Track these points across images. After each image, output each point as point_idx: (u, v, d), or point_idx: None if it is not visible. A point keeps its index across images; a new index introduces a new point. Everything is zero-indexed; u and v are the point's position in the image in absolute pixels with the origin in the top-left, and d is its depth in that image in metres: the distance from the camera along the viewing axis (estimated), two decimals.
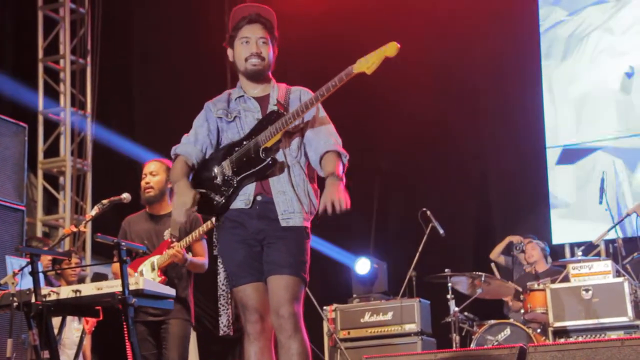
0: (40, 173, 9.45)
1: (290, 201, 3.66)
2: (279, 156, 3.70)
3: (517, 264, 8.43)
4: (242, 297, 3.69)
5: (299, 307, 3.61)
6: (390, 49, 3.50)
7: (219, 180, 3.74)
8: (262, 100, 3.81)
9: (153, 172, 5.46)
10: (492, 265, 8.62)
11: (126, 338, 4.31)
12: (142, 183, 5.47)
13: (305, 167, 3.76)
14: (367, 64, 3.51)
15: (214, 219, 5.11)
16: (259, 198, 3.69)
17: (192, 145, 3.84)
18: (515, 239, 8.28)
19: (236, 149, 3.74)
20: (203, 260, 5.41)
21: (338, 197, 3.51)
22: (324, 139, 3.73)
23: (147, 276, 5.22)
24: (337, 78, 3.55)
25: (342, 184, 3.57)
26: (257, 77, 3.82)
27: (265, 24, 3.82)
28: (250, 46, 3.78)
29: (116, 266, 5.12)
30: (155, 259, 5.30)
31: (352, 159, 3.81)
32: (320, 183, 3.77)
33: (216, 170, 3.76)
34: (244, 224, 3.69)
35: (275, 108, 3.73)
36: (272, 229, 3.65)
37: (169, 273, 5.31)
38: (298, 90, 3.82)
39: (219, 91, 3.96)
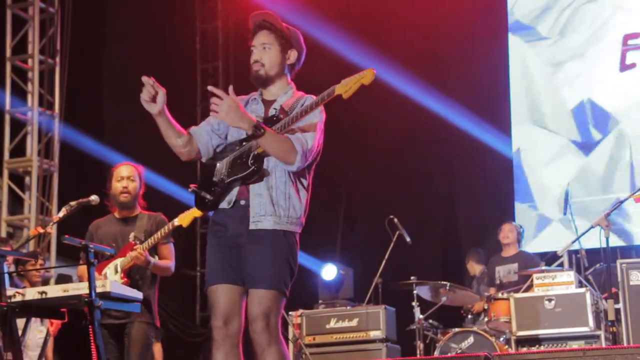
0: (5, 173, 9.36)
1: (264, 204, 3.67)
2: (265, 161, 3.72)
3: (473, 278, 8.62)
4: (211, 298, 3.73)
5: (273, 320, 3.62)
6: (367, 76, 3.58)
7: (216, 177, 3.78)
8: (269, 104, 3.85)
9: (130, 177, 5.43)
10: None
11: (92, 341, 4.29)
12: (118, 186, 5.41)
13: (290, 172, 3.74)
14: (346, 87, 3.58)
15: (175, 221, 5.17)
16: (242, 202, 3.72)
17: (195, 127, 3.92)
18: None
19: (237, 148, 3.78)
20: (169, 263, 5.37)
21: (226, 111, 3.55)
22: (294, 137, 3.70)
23: (110, 278, 5.19)
24: (319, 97, 3.63)
25: (243, 119, 3.57)
26: (260, 81, 3.86)
27: (270, 28, 3.85)
28: (253, 54, 3.85)
29: (82, 269, 5.09)
30: (118, 261, 5.26)
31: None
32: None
33: (218, 166, 3.80)
34: (226, 226, 3.73)
35: (275, 112, 3.76)
36: (247, 232, 3.67)
37: (132, 275, 5.28)
38: (309, 99, 3.79)
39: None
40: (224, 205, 3.75)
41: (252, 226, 3.66)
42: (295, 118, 3.65)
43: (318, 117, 3.79)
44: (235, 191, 3.73)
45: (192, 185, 3.84)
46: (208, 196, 3.77)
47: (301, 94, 3.87)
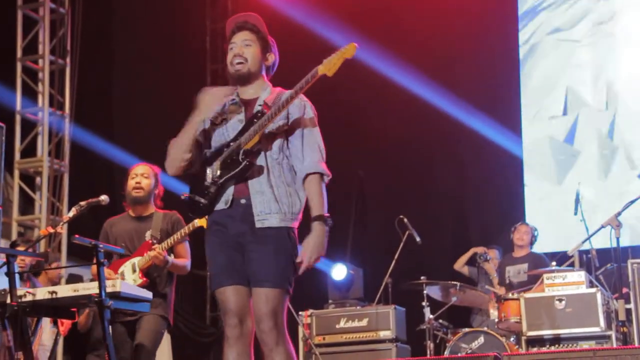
0: (16, 173, 9.38)
1: (268, 202, 3.66)
2: (260, 158, 3.71)
3: (482, 274, 8.54)
4: (222, 300, 3.70)
5: (280, 318, 3.62)
6: (350, 50, 3.58)
7: (208, 181, 3.75)
8: (250, 103, 3.81)
9: (144, 174, 5.47)
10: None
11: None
12: (132, 183, 5.45)
13: (287, 169, 3.74)
14: (329, 65, 3.58)
15: (196, 222, 5.18)
16: (242, 201, 3.69)
17: None
18: (480, 249, 8.39)
19: (225, 149, 3.75)
20: (185, 262, 5.40)
21: (314, 254, 3.60)
22: (310, 154, 3.72)
23: (127, 277, 5.22)
24: (304, 80, 3.61)
25: (325, 234, 3.62)
26: (242, 78, 3.82)
27: (252, 29, 3.83)
28: (234, 50, 3.81)
29: (95, 268, 5.11)
30: (136, 260, 5.29)
31: (330, 164, 3.82)
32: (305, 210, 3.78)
33: (208, 171, 3.77)
34: (226, 226, 3.70)
35: (260, 109, 3.73)
36: (251, 231, 3.65)
37: (151, 274, 5.31)
38: (289, 93, 3.74)
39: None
40: (221, 205, 3.72)
41: (258, 224, 3.64)
42: (280, 107, 3.64)
43: (310, 112, 3.79)
44: (230, 190, 3.71)
45: (184, 194, 3.82)
46: (203, 200, 3.74)
47: (280, 90, 3.85)
